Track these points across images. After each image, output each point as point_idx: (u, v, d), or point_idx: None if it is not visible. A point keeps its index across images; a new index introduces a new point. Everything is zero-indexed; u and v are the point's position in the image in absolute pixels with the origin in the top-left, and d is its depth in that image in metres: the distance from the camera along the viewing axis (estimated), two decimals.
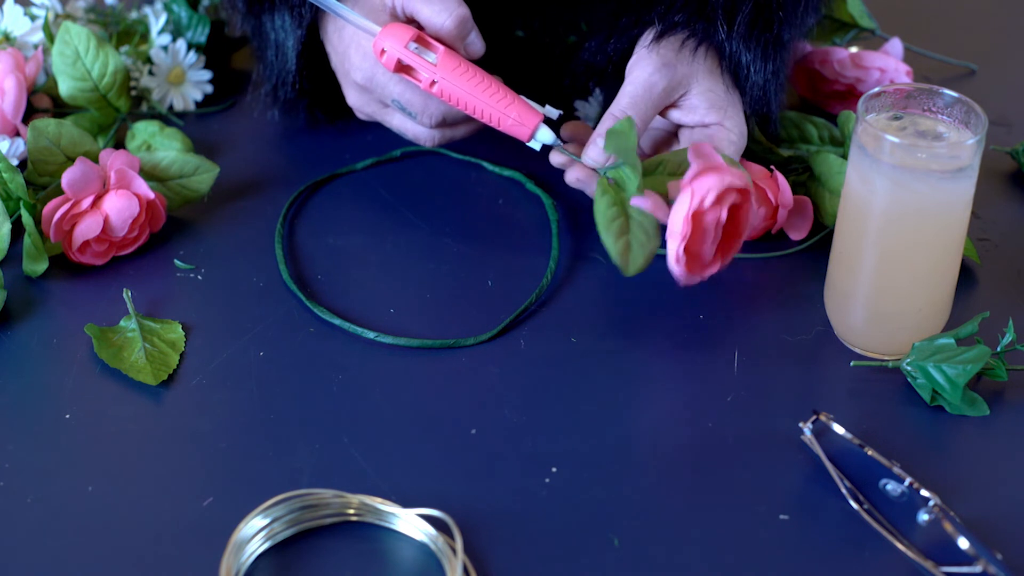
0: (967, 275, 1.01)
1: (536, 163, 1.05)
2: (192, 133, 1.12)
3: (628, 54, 0.99)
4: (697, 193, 0.88)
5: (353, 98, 1.03)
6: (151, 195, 1.00)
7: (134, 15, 1.20)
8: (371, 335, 0.94)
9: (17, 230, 1.01)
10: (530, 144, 0.97)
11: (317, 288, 0.99)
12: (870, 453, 0.85)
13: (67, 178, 0.98)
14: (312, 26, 1.05)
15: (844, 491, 0.84)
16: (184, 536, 0.81)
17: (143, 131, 1.09)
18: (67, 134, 1.03)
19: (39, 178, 1.03)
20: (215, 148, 1.12)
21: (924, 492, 0.82)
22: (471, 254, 1.02)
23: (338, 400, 0.90)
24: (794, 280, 1.01)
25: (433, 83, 0.96)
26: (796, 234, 1.04)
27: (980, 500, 0.84)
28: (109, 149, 1.04)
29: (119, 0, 1.21)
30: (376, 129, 1.10)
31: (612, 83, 1.01)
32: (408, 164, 1.11)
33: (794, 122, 1.11)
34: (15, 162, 1.04)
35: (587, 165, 0.96)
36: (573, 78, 1.09)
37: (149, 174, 1.03)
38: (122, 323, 0.95)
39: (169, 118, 1.15)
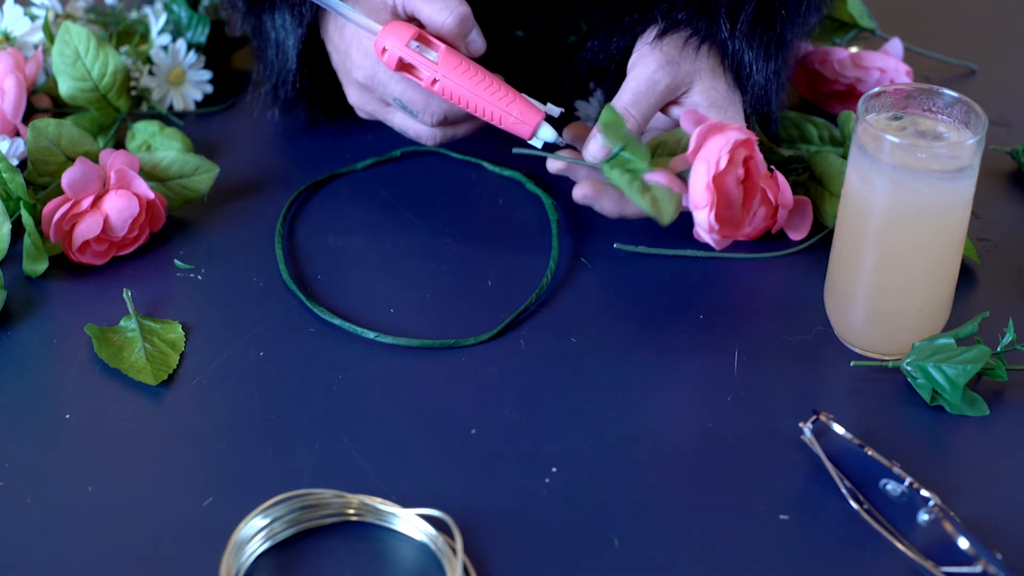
0: (967, 275, 1.01)
1: (536, 163, 1.05)
2: (192, 133, 1.12)
3: (631, 52, 0.99)
4: (710, 160, 0.89)
5: (354, 97, 1.03)
6: (151, 195, 1.00)
7: (134, 15, 1.20)
8: (371, 335, 0.94)
9: (17, 230, 1.01)
10: (532, 142, 0.97)
11: (317, 288, 0.99)
12: (870, 453, 0.85)
13: (67, 178, 0.98)
14: (313, 25, 1.05)
15: (844, 491, 0.84)
16: (184, 536, 0.81)
17: (143, 131, 1.09)
18: (67, 134, 1.03)
19: (39, 178, 1.03)
20: (215, 148, 1.12)
21: (924, 492, 0.82)
22: (471, 254, 1.02)
23: (338, 400, 0.90)
24: (794, 280, 1.01)
25: (434, 81, 0.96)
26: (796, 234, 1.04)
27: (980, 500, 0.84)
28: (109, 149, 1.04)
29: (119, 0, 1.21)
30: (376, 129, 1.10)
31: (614, 82, 1.01)
32: (408, 164, 1.11)
33: (794, 122, 1.11)
34: (15, 162, 1.04)
35: (589, 163, 0.96)
36: (575, 77, 1.09)
37: (149, 174, 1.03)
38: (122, 323, 0.95)
39: (169, 118, 1.15)
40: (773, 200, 1.01)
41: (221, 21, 1.20)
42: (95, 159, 1.02)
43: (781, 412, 0.89)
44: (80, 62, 1.07)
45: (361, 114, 1.05)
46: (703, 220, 0.91)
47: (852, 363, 0.93)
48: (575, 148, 1.00)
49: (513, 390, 0.91)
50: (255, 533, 0.80)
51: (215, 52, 1.20)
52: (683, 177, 0.92)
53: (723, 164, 0.89)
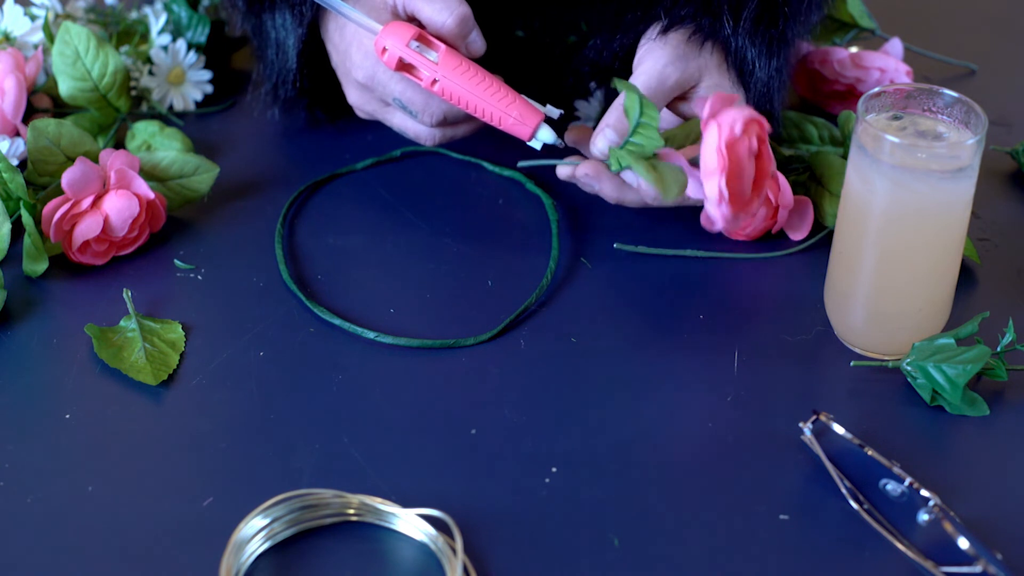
0: (967, 275, 1.01)
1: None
2: (192, 133, 1.12)
3: (634, 51, 0.99)
4: (724, 124, 0.86)
5: (354, 97, 1.03)
6: (151, 195, 1.00)
7: (134, 15, 1.20)
8: (371, 335, 0.94)
9: (17, 230, 1.01)
10: (531, 143, 0.97)
11: (317, 288, 0.99)
12: (870, 453, 0.85)
13: (67, 178, 0.98)
14: (313, 24, 1.05)
15: (844, 491, 0.84)
16: (184, 536, 0.81)
17: (143, 131, 1.09)
18: (67, 134, 1.03)
19: (39, 178, 1.03)
20: (215, 148, 1.12)
21: (924, 492, 0.82)
22: (471, 254, 1.02)
23: (338, 400, 0.90)
24: (794, 280, 1.01)
25: (434, 82, 0.96)
26: (796, 234, 1.04)
27: (980, 500, 0.84)
28: (109, 149, 1.04)
29: (119, 0, 1.21)
30: (376, 129, 1.10)
31: None
32: (408, 164, 1.11)
33: (794, 122, 1.11)
34: (15, 162, 1.04)
35: (596, 157, 0.95)
36: (577, 77, 1.09)
37: (149, 174, 1.03)
38: (122, 323, 0.95)
39: (169, 118, 1.15)
40: (773, 200, 1.01)
41: (221, 21, 1.20)
42: (95, 159, 1.02)
43: (781, 412, 0.89)
44: (80, 62, 1.08)
45: (361, 114, 1.05)
46: (713, 189, 0.86)
47: (852, 363, 0.93)
48: (579, 152, 1.00)
49: (513, 390, 0.91)
50: (255, 533, 0.80)
51: (215, 52, 1.20)
52: (694, 163, 0.90)
53: (738, 130, 0.85)
